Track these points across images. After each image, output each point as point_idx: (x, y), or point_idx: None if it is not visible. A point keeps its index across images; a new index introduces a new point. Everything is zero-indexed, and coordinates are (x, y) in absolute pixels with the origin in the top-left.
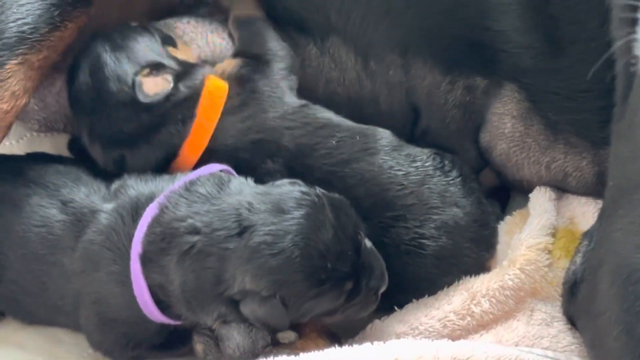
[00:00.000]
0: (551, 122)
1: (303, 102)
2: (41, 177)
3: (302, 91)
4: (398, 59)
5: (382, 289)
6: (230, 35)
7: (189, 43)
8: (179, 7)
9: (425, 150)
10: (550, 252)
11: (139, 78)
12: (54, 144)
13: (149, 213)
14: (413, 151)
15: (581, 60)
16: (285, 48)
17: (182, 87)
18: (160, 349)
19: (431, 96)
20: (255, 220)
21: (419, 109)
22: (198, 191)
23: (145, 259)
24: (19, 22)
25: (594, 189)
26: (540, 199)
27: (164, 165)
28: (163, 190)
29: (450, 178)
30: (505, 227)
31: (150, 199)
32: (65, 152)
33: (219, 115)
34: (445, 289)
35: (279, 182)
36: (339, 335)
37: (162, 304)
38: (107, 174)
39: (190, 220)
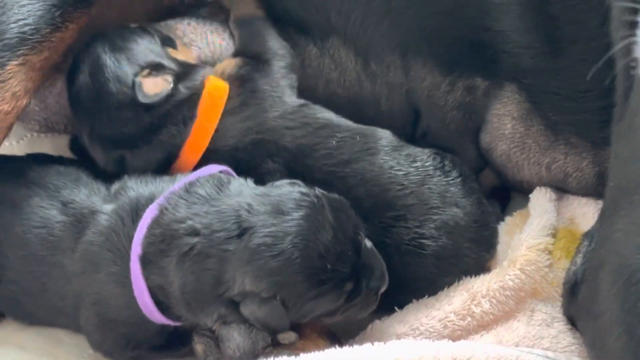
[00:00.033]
0: (551, 123)
1: (303, 101)
2: (41, 178)
3: (302, 92)
4: (398, 59)
5: (383, 289)
6: (231, 36)
7: (189, 44)
8: (180, 8)
9: (426, 151)
10: (550, 252)
11: (138, 79)
12: (55, 145)
13: (149, 214)
14: (413, 151)
15: (581, 61)
16: (285, 47)
17: (182, 88)
18: (161, 350)
19: (431, 97)
20: (255, 221)
21: (419, 110)
22: (197, 192)
23: (145, 260)
24: (20, 22)
25: (595, 190)
26: (541, 200)
27: (165, 166)
28: (163, 192)
29: (450, 178)
30: (505, 228)
31: (150, 200)
32: (65, 153)
33: (219, 116)
34: (445, 289)
35: (278, 183)
36: (339, 336)
37: (162, 305)
38: (108, 175)
39: (189, 222)
